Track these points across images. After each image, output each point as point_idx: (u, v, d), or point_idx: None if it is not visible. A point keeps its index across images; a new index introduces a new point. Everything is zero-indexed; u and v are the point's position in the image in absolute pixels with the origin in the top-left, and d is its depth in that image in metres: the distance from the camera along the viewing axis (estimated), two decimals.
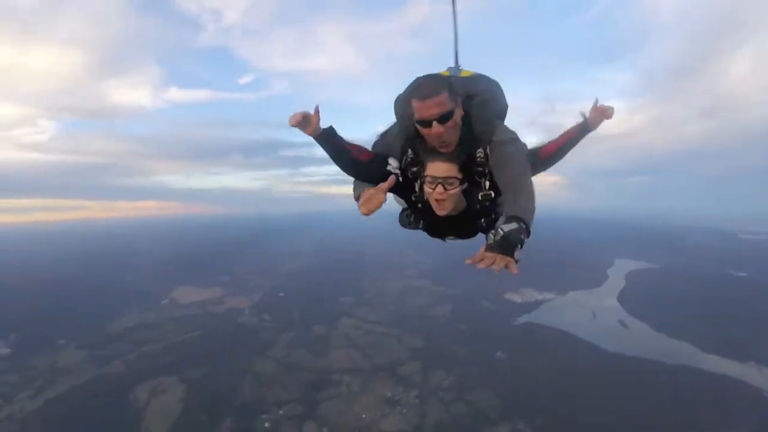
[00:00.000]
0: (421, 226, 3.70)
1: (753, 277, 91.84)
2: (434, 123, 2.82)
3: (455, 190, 2.98)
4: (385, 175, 3.08)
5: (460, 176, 2.96)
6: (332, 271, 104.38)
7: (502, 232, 2.46)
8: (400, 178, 3.20)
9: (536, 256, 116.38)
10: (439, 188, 2.95)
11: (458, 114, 2.91)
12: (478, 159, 3.08)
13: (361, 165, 3.15)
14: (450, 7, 3.86)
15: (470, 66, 3.58)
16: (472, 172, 3.09)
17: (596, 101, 3.53)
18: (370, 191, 2.94)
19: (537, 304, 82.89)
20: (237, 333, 69.13)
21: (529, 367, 55.69)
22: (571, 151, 3.68)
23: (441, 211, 3.06)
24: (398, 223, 4.06)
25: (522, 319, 74.72)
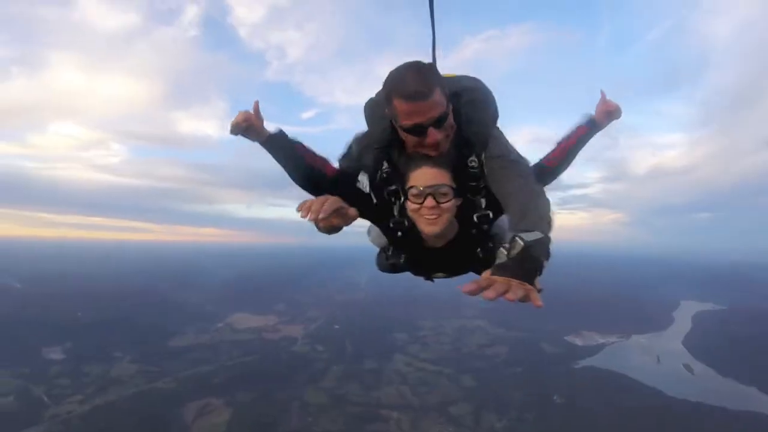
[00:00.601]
0: (402, 261, 2.86)
1: None
2: (431, 129, 2.11)
3: (449, 203, 2.24)
4: (354, 198, 2.24)
5: (453, 185, 2.26)
6: (387, 305, 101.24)
7: (521, 244, 1.70)
8: (374, 200, 2.47)
9: (598, 296, 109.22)
10: (429, 200, 2.21)
11: (451, 114, 2.21)
12: (471, 169, 2.36)
13: (324, 179, 2.42)
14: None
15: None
16: (464, 185, 2.36)
17: (603, 95, 3.04)
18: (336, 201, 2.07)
19: (599, 348, 78.39)
20: (289, 361, 67.36)
21: (588, 413, 51.61)
22: (577, 155, 3.04)
23: (432, 227, 2.26)
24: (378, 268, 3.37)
25: (582, 363, 70.29)
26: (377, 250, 3.29)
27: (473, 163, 2.33)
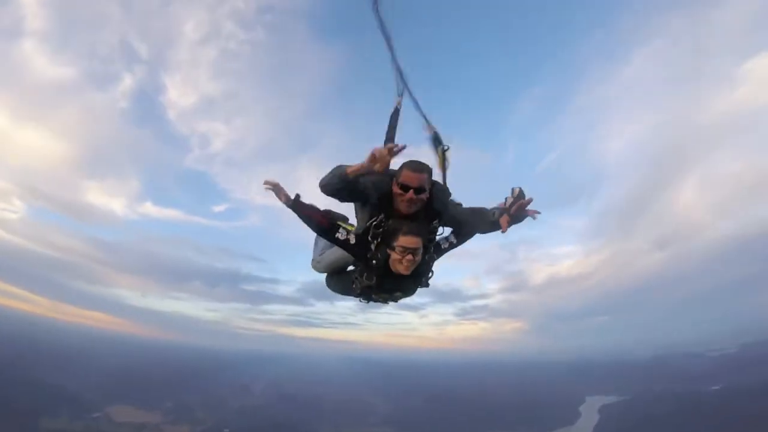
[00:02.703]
0: (373, 283, 3.95)
1: (727, 387, 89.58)
2: (411, 190, 3.63)
3: (419, 257, 3.68)
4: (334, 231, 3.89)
5: (422, 247, 3.69)
6: (284, 412, 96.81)
7: (512, 196, 3.86)
8: (352, 242, 3.87)
9: (504, 400, 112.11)
10: (409, 256, 3.59)
11: (427, 192, 3.77)
12: (432, 229, 3.98)
13: (322, 227, 3.92)
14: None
15: None
16: (427, 242, 3.88)
17: (521, 193, 3.90)
18: (382, 151, 3.58)
19: None
20: None
21: None
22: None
23: (405, 271, 3.66)
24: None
25: None
26: (324, 276, 4.81)
27: (435, 224, 3.97)
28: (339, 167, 3.73)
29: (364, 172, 3.66)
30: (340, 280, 4.63)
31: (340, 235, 3.85)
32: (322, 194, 3.83)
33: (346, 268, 4.62)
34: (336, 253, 4.50)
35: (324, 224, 3.89)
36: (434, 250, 4.04)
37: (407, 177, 3.62)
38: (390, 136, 4.73)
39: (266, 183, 3.86)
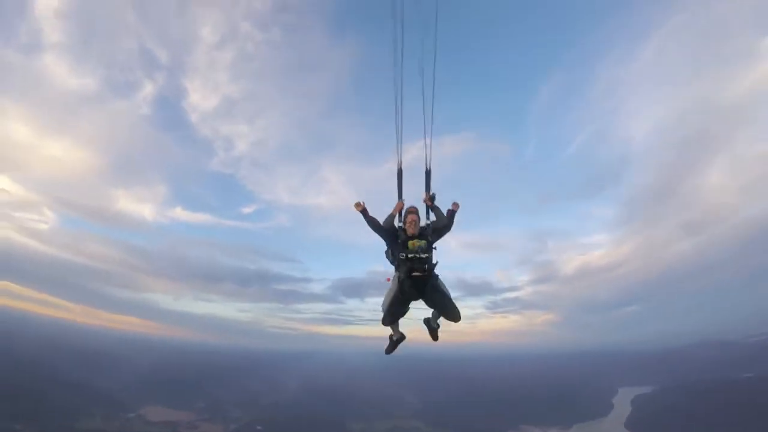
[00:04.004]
0: (403, 278, 6.72)
1: (760, 374, 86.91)
2: (411, 215, 6.99)
3: (417, 219, 7.08)
4: (391, 231, 7.10)
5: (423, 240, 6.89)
6: (316, 408, 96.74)
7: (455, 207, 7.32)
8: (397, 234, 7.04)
9: (537, 393, 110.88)
10: (411, 217, 7.01)
11: (415, 216, 7.05)
12: (424, 231, 7.01)
13: (380, 227, 7.09)
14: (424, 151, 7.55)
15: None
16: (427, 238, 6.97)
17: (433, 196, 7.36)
18: (399, 204, 7.23)
19: None
20: None
21: None
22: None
23: (413, 230, 6.90)
24: (385, 353, 7.82)
25: None
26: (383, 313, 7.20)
27: (427, 231, 7.02)
28: (388, 216, 7.24)
29: (395, 213, 7.24)
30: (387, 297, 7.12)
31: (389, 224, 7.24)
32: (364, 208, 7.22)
33: (392, 305, 7.02)
34: (388, 294, 7.06)
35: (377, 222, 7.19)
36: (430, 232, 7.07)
37: (408, 210, 7.16)
38: (399, 191, 7.38)
39: (357, 205, 7.14)
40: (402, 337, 7.56)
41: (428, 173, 7.33)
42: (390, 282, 7.08)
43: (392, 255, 7.02)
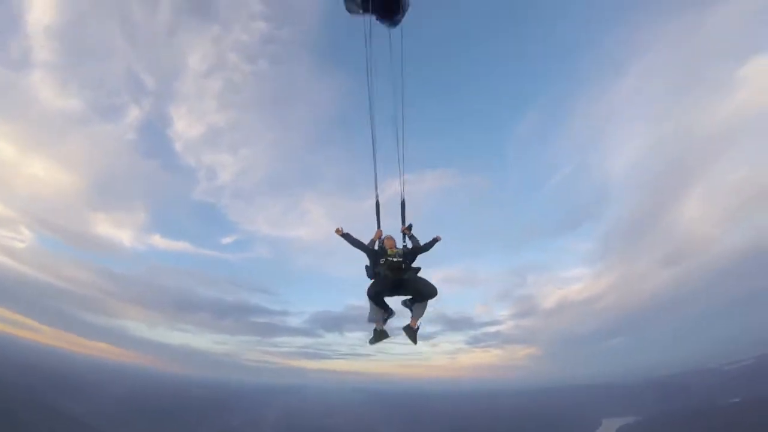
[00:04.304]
0: (381, 288, 8.31)
1: (747, 398, 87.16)
2: (388, 239, 8.82)
3: (394, 243, 8.79)
4: (372, 251, 8.71)
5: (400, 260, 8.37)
6: None
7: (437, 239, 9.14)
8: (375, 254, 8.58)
9: (519, 426, 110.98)
10: (390, 242, 8.79)
11: (392, 240, 8.88)
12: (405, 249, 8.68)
13: (363, 245, 8.78)
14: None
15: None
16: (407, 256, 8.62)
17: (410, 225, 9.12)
18: (378, 232, 9.13)
19: None
20: None
21: None
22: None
23: (392, 248, 8.57)
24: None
25: None
26: (368, 314, 8.76)
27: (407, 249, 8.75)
28: (369, 241, 8.89)
29: (375, 239, 8.85)
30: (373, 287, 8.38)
31: (371, 246, 8.82)
32: (343, 233, 8.75)
33: (377, 295, 8.32)
34: (371, 287, 8.34)
35: (365, 245, 8.74)
36: (408, 254, 8.54)
37: (388, 239, 8.75)
38: (378, 220, 9.02)
39: (337, 231, 8.61)
40: (385, 333, 8.68)
41: (403, 204, 8.94)
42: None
43: (372, 267, 8.50)
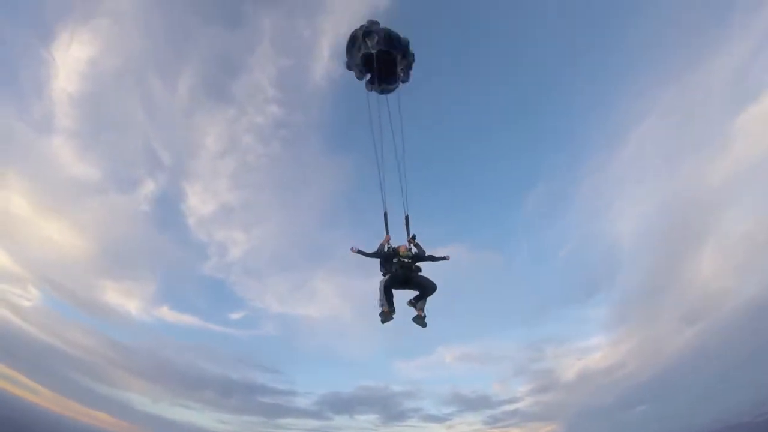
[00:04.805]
0: (393, 278, 9.76)
1: None
2: (402, 246, 10.37)
3: (405, 248, 10.41)
4: (385, 254, 10.34)
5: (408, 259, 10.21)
6: None
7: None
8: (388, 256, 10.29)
9: None
10: (402, 247, 10.42)
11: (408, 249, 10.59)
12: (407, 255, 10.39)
13: (377, 253, 10.32)
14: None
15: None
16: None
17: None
18: (386, 237, 10.86)
19: None
20: None
21: None
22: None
23: (404, 251, 10.21)
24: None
25: None
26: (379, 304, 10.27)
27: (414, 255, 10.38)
28: (379, 246, 10.24)
29: (384, 243, 10.17)
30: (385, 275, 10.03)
31: (382, 250, 10.14)
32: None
33: (387, 288, 9.77)
34: (381, 283, 9.89)
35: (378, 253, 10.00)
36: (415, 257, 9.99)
37: (402, 246, 10.09)
38: (386, 228, 10.35)
39: (352, 249, 9.82)
40: (390, 315, 9.94)
41: (407, 218, 10.60)
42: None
43: (385, 266, 9.93)
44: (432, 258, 10.16)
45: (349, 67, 11.28)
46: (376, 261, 10.36)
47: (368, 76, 11.37)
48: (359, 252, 9.97)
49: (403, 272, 9.70)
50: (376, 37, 10.58)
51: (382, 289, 9.86)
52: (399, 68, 10.98)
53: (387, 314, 9.95)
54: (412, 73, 11.29)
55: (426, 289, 9.77)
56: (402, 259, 9.78)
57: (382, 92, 11.44)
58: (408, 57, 11.08)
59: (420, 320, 9.88)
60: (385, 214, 10.65)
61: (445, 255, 10.18)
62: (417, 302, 9.95)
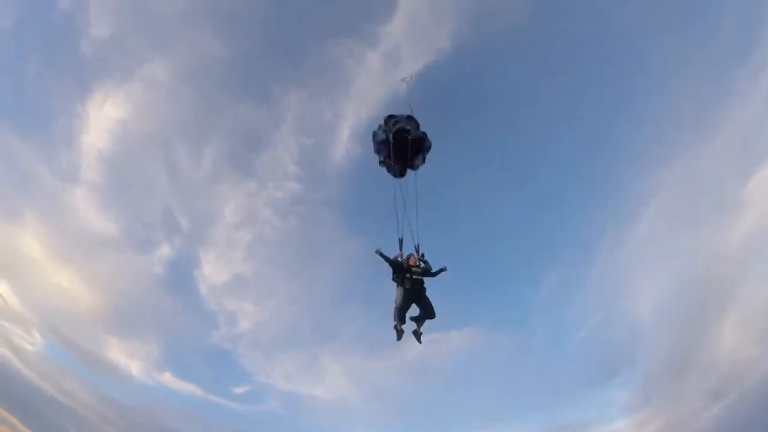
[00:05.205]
0: (404, 294, 9.03)
1: None
2: (411, 257, 9.27)
3: (416, 261, 9.30)
4: (400, 265, 9.05)
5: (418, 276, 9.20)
6: None
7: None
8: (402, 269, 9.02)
9: None
10: (412, 259, 9.27)
11: (414, 259, 9.38)
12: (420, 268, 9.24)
13: (392, 261, 9.01)
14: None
15: None
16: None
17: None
18: (399, 254, 9.58)
19: None
20: None
21: None
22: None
23: (414, 263, 9.23)
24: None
25: None
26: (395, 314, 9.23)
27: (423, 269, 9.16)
28: (393, 257, 9.36)
29: (399, 257, 9.36)
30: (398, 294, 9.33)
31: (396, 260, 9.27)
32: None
33: (402, 302, 9.12)
34: (397, 299, 9.21)
35: (393, 261, 9.14)
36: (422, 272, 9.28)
37: (410, 258, 9.31)
38: (400, 246, 9.72)
39: (376, 252, 9.17)
40: (402, 332, 9.63)
41: (417, 247, 10.26)
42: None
43: (397, 276, 9.67)
44: (433, 274, 9.92)
45: (380, 158, 11.22)
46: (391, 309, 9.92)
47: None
48: (381, 255, 9.64)
49: (415, 290, 9.65)
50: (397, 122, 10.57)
51: (396, 309, 9.70)
52: (414, 153, 10.96)
53: (399, 332, 9.80)
54: (428, 156, 11.18)
55: (429, 313, 9.80)
56: (414, 276, 9.64)
57: (400, 175, 11.24)
58: (426, 141, 10.95)
59: (418, 336, 10.15)
60: (401, 241, 10.42)
61: (443, 267, 10.03)
62: (418, 321, 9.96)
